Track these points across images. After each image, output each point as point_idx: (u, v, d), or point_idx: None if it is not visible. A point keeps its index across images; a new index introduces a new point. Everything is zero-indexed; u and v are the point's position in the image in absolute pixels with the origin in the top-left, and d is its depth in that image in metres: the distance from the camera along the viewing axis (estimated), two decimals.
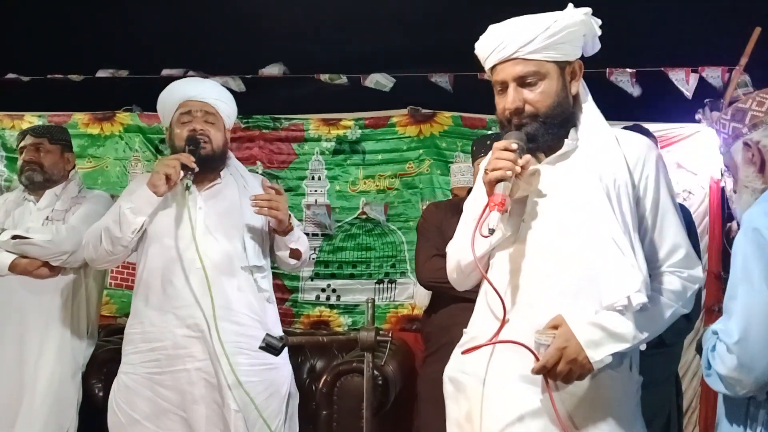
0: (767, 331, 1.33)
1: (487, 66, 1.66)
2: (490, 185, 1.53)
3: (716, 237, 3.42)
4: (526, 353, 1.50)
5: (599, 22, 1.63)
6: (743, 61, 3.25)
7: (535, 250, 1.59)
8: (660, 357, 2.48)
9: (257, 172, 3.67)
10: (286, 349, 2.27)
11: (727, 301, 1.44)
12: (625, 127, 2.70)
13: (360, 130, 3.79)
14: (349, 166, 3.80)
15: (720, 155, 3.32)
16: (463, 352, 1.60)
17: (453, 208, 2.50)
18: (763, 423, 1.39)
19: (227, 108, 2.37)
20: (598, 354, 1.47)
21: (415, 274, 2.69)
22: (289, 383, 2.33)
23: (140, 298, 2.23)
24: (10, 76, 3.80)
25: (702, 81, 3.34)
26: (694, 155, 3.49)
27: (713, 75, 3.33)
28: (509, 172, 1.51)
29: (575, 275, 1.54)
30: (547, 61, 1.58)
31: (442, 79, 3.56)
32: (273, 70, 3.67)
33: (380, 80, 3.60)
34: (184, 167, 2.14)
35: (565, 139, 1.62)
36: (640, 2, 3.28)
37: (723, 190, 3.44)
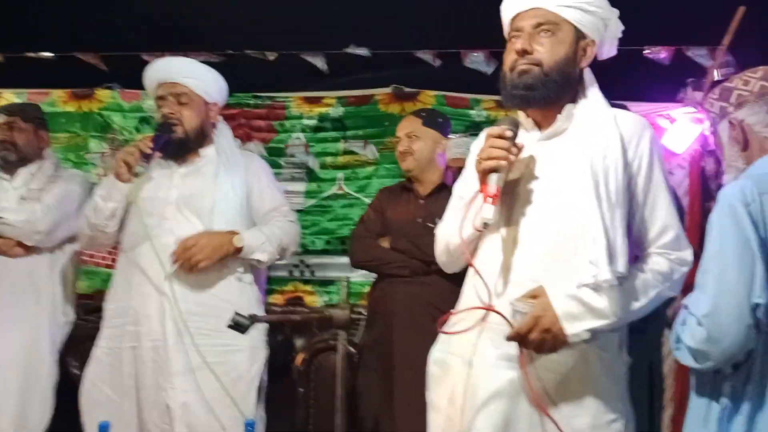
0: (737, 305, 1.35)
1: (509, 16, 1.65)
2: (484, 174, 1.52)
3: (695, 216, 3.43)
4: None
5: (622, 27, 1.67)
6: (726, 40, 3.23)
7: (528, 230, 1.57)
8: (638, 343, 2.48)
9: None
10: (261, 333, 2.25)
11: (699, 275, 1.45)
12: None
13: (342, 108, 3.74)
14: (329, 142, 3.74)
15: (700, 135, 3.37)
16: (441, 332, 1.58)
17: (402, 190, 2.63)
18: (728, 395, 1.41)
19: (202, 84, 2.30)
20: (575, 327, 1.45)
21: (349, 256, 2.70)
22: (260, 367, 2.24)
23: (117, 273, 2.28)
24: None
25: (684, 60, 3.32)
26: (675, 134, 3.48)
27: (699, 54, 3.31)
28: (503, 162, 1.50)
29: (565, 255, 1.51)
30: (567, 21, 1.58)
31: (427, 56, 3.51)
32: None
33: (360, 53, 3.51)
34: (144, 153, 2.13)
35: (558, 114, 1.60)
36: None
37: (703, 169, 3.44)
